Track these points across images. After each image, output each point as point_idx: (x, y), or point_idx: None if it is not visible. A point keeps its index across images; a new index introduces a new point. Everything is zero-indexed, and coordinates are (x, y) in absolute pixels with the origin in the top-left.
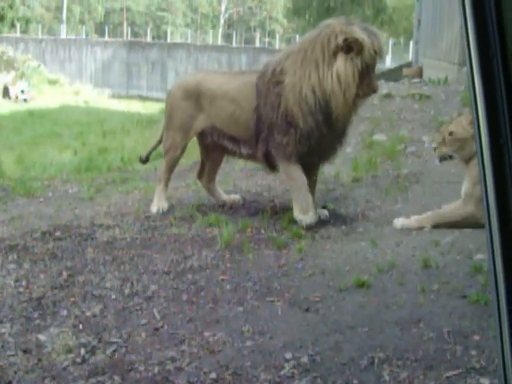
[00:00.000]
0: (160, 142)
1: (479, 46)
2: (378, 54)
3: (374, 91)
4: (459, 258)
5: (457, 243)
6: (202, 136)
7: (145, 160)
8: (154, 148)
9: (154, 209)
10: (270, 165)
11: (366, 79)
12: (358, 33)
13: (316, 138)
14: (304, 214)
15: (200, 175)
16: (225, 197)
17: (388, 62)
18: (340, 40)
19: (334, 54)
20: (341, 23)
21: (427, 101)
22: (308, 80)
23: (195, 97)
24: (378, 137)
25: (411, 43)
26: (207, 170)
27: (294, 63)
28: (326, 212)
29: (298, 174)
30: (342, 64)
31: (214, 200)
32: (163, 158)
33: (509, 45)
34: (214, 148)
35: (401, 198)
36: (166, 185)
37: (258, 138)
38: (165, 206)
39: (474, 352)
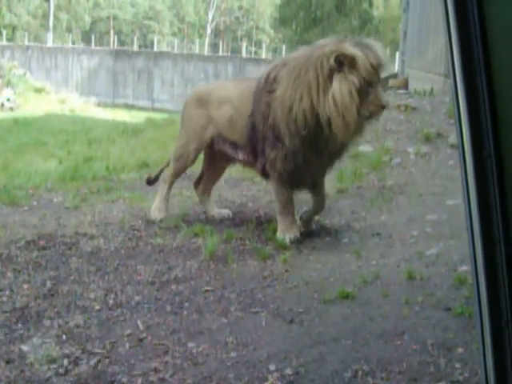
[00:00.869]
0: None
1: (463, 58)
2: (377, 66)
3: (382, 107)
4: (444, 270)
5: (441, 255)
6: (209, 145)
7: (153, 181)
8: (163, 169)
9: (155, 214)
10: (266, 176)
11: (371, 96)
12: (349, 48)
13: (304, 159)
14: (285, 232)
15: (196, 184)
16: (215, 211)
17: None
18: (332, 60)
19: (330, 78)
20: (332, 42)
21: (413, 112)
22: (299, 102)
23: (206, 106)
24: (364, 148)
25: (397, 54)
26: (205, 180)
27: (287, 77)
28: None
29: (284, 192)
30: (337, 85)
31: (205, 211)
32: (171, 165)
33: (492, 57)
34: (218, 159)
35: (386, 209)
36: (169, 189)
37: (253, 145)
38: (163, 214)
39: (457, 364)
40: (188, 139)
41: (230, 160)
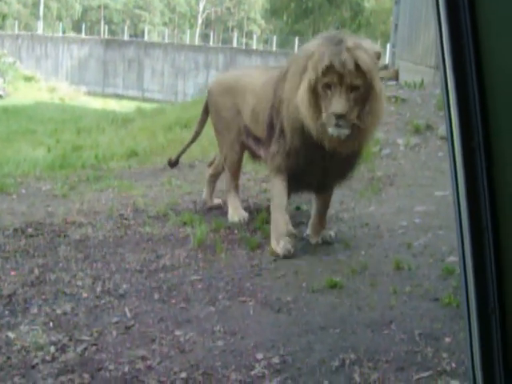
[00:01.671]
0: (191, 142)
1: (453, 49)
2: (339, 67)
3: (334, 115)
4: (432, 261)
5: (429, 246)
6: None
7: (174, 163)
8: (184, 150)
9: (235, 219)
10: None
11: (327, 100)
12: (315, 45)
13: (307, 159)
14: (277, 243)
15: (210, 164)
16: (213, 202)
17: None
18: (304, 58)
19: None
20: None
21: (403, 104)
22: (292, 100)
23: (233, 94)
24: None
25: (388, 46)
26: (219, 167)
27: (291, 71)
28: (331, 233)
29: (280, 191)
30: (301, 85)
31: (204, 197)
32: (224, 165)
33: (482, 48)
34: (240, 151)
35: (375, 199)
36: (237, 192)
37: (271, 140)
38: (245, 214)
39: (444, 354)
40: (225, 132)
41: (253, 156)
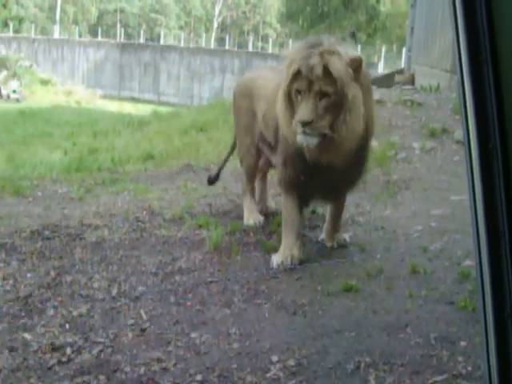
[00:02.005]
0: (229, 155)
1: (470, 50)
2: (304, 72)
3: (299, 120)
4: (447, 265)
5: (445, 250)
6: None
7: (214, 179)
8: (224, 164)
9: (250, 222)
10: None
11: (299, 106)
12: (293, 49)
13: (304, 169)
14: (278, 259)
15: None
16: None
17: (380, 69)
18: None
19: None
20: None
21: (419, 107)
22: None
23: (249, 97)
24: None
25: (404, 50)
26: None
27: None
28: (346, 237)
29: (289, 204)
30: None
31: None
32: (241, 167)
33: (499, 50)
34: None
35: (390, 203)
36: (253, 195)
37: (277, 149)
38: (260, 218)
39: (460, 358)
40: (244, 134)
41: (269, 164)
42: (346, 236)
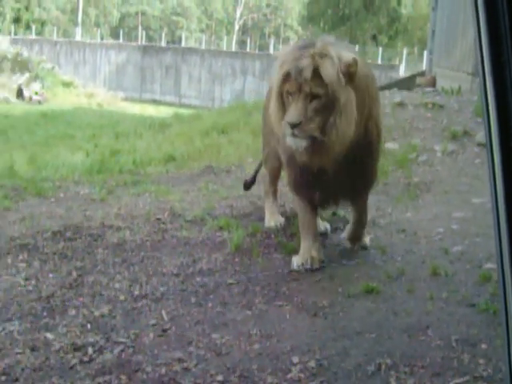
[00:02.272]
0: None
1: (492, 51)
2: (295, 75)
3: (287, 122)
4: (469, 267)
5: (466, 252)
6: None
7: (250, 184)
8: (260, 167)
9: (271, 224)
10: None
11: (289, 107)
12: (284, 49)
13: (306, 169)
14: (298, 261)
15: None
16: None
17: (401, 71)
18: None
19: None
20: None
21: (440, 110)
22: None
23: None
24: (390, 145)
25: (425, 53)
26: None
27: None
28: (367, 240)
29: (301, 206)
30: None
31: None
32: (264, 168)
33: None
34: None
35: (411, 206)
36: (275, 197)
37: None
38: (281, 219)
39: (481, 360)
40: (269, 136)
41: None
42: (367, 239)
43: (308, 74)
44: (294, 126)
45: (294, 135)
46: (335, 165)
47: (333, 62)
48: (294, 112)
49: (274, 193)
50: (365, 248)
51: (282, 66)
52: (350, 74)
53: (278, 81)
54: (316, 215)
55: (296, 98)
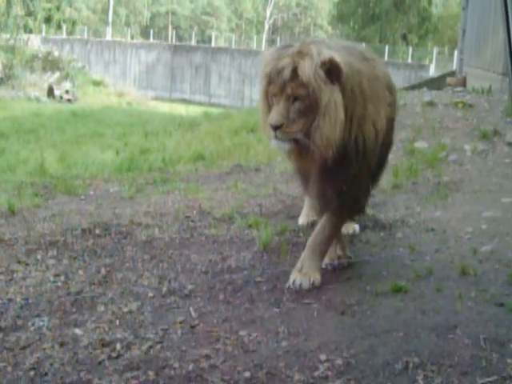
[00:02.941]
0: None
1: None
2: (273, 74)
3: (269, 124)
4: (498, 267)
5: (496, 252)
6: None
7: None
8: None
9: (301, 221)
10: None
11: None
12: (266, 52)
13: (298, 171)
14: (327, 255)
15: None
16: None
17: (432, 71)
18: None
19: None
20: None
21: (470, 110)
22: None
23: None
24: (420, 144)
25: (455, 52)
26: None
27: None
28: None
29: (306, 208)
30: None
31: None
32: None
33: None
34: None
35: (441, 205)
36: None
37: None
38: (312, 218)
39: (509, 360)
40: None
41: None
42: (356, 227)
43: (287, 74)
44: (275, 128)
45: (276, 137)
46: (320, 168)
47: (312, 61)
48: (274, 114)
49: None
50: (353, 235)
51: (264, 67)
52: (333, 73)
53: (261, 83)
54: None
55: (278, 99)
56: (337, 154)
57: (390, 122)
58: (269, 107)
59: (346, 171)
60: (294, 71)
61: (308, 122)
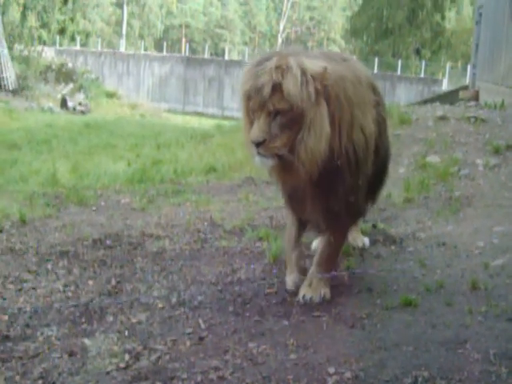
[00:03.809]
0: None
1: None
2: (253, 91)
3: (252, 141)
4: (509, 281)
5: (507, 266)
6: None
7: None
8: None
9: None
10: None
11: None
12: (246, 66)
13: (284, 188)
14: (288, 275)
15: None
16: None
17: (445, 85)
18: None
19: None
20: None
21: (482, 124)
22: None
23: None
24: (432, 158)
25: (468, 67)
26: None
27: None
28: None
29: (289, 224)
30: None
31: None
32: None
33: None
34: None
35: (452, 219)
36: None
37: None
38: None
39: None
40: None
41: None
42: (366, 240)
43: (267, 91)
44: (257, 144)
45: (259, 154)
46: (309, 183)
47: (293, 74)
48: (255, 130)
49: None
50: (363, 249)
51: (242, 85)
52: (317, 85)
53: (241, 100)
54: (302, 231)
55: (258, 115)
56: (328, 166)
57: (380, 124)
58: (251, 124)
59: (341, 183)
60: (274, 87)
61: (292, 136)
